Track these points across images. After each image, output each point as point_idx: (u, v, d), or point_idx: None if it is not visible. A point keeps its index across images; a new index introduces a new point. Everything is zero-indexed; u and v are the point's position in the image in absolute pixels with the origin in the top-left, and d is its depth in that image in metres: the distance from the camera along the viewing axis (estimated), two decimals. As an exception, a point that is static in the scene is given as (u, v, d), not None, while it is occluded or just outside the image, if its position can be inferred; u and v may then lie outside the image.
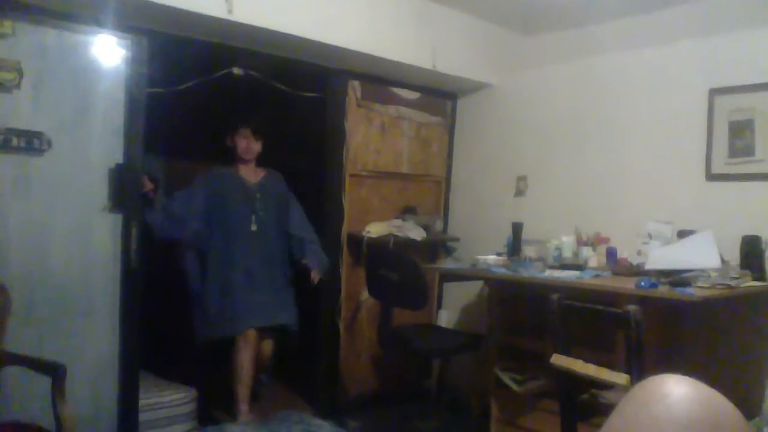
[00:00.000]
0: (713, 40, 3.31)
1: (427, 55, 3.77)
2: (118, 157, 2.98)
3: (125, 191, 2.98)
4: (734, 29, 3.23)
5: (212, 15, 2.85)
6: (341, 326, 3.91)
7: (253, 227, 3.48)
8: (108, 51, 2.94)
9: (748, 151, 3.19)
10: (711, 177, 3.29)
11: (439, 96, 4.38)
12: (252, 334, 3.41)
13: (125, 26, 2.95)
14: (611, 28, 3.75)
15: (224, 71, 3.49)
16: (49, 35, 2.77)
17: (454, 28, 3.90)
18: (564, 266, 3.23)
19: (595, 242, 3.43)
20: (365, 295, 3.83)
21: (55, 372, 2.17)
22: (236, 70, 3.48)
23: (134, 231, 3.01)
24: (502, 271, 3.25)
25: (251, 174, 3.58)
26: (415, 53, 3.72)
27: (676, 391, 0.71)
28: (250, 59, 3.49)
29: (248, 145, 3.51)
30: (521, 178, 4.11)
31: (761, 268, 2.87)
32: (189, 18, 2.86)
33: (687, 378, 0.72)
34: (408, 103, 4.19)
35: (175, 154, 4.46)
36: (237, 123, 3.51)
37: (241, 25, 2.96)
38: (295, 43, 3.26)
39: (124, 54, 2.97)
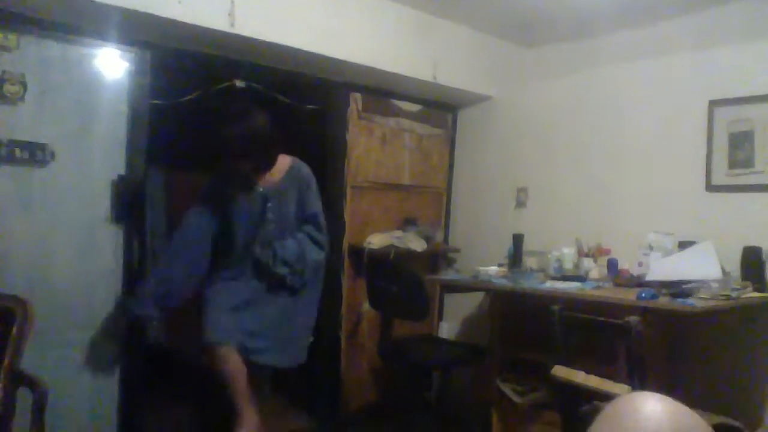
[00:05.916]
0: (713, 52, 3.33)
1: (428, 68, 3.80)
2: (121, 169, 3.00)
3: (127, 203, 2.99)
4: (733, 41, 3.25)
5: (215, 28, 2.88)
6: (342, 338, 3.91)
7: (259, 246, 2.79)
8: (111, 64, 2.97)
9: (747, 162, 3.20)
10: (711, 188, 3.30)
11: (440, 108, 4.41)
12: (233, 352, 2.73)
13: (128, 39, 2.98)
14: (611, 40, 3.77)
15: (226, 84, 3.51)
16: (53, 48, 2.80)
17: (454, 41, 3.93)
18: (565, 277, 3.23)
19: (596, 253, 3.44)
20: (366, 306, 3.83)
21: (37, 389, 2.13)
22: (238, 83, 3.50)
23: (136, 242, 3.02)
24: (503, 282, 3.25)
25: (265, 176, 2.85)
26: (416, 66, 3.74)
27: (646, 407, 0.73)
28: (252, 72, 3.51)
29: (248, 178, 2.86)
30: (522, 190, 4.12)
31: (762, 279, 2.87)
32: (192, 31, 2.89)
33: (656, 394, 0.75)
34: (409, 115, 4.21)
35: (178, 167, 4.47)
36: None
37: (244, 38, 2.98)
38: (297, 56, 3.28)
39: (127, 67, 3.00)
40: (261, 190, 2.81)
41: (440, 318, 4.42)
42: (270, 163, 2.81)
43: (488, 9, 3.64)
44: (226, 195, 2.81)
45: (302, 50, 3.18)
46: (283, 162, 2.86)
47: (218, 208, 2.80)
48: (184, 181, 4.31)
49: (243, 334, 2.72)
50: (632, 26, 3.62)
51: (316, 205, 2.88)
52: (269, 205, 2.79)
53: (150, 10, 2.66)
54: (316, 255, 2.84)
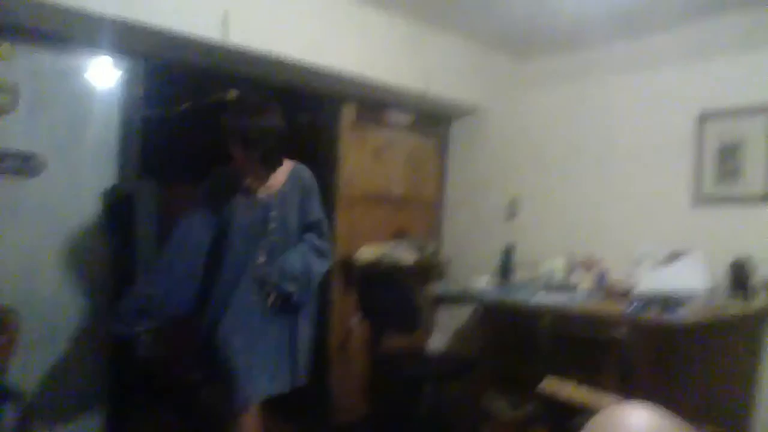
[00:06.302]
0: (702, 64, 3.37)
1: (420, 79, 3.82)
2: (111, 180, 2.99)
3: (117, 214, 2.98)
4: (723, 54, 3.29)
5: (208, 39, 2.88)
6: (332, 351, 3.89)
7: (261, 258, 2.49)
8: (103, 74, 2.98)
9: (736, 174, 3.23)
10: (700, 200, 3.33)
11: (433, 119, 4.43)
12: (254, 410, 2.49)
13: (121, 49, 2.98)
14: (602, 53, 3.81)
15: (219, 95, 3.52)
16: (45, 58, 2.80)
17: (447, 52, 3.96)
18: (555, 289, 3.24)
19: (586, 265, 3.45)
20: (356, 319, 3.82)
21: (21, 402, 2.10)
22: (231, 94, 3.51)
23: (125, 255, 3.01)
24: (494, 294, 3.26)
25: (266, 181, 2.56)
26: (409, 77, 3.76)
27: (633, 417, 0.74)
28: (244, 83, 3.52)
29: (254, 176, 2.56)
30: (513, 201, 4.14)
31: (749, 291, 2.89)
32: (185, 41, 2.89)
33: (644, 405, 0.75)
34: (401, 127, 4.23)
35: (170, 179, 4.46)
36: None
37: (237, 48, 2.99)
38: (290, 67, 3.29)
39: (119, 77, 3.00)
40: (263, 196, 2.51)
41: (431, 330, 4.41)
42: (277, 164, 2.55)
43: (480, 21, 3.66)
44: (224, 200, 2.50)
45: (295, 61, 3.20)
46: (285, 166, 2.59)
47: (214, 216, 2.49)
48: (176, 193, 4.29)
49: (265, 377, 2.44)
50: (623, 39, 3.66)
51: (318, 211, 2.63)
52: (272, 213, 2.49)
53: (143, 21, 2.67)
54: (321, 267, 2.58)
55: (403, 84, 3.74)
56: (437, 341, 4.36)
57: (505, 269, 3.64)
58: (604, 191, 3.72)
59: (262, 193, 2.52)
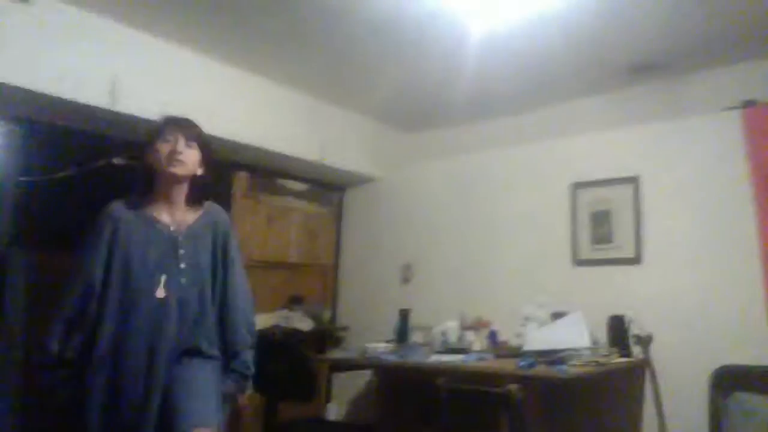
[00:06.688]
0: (573, 139, 3.70)
1: (316, 149, 3.90)
2: (-20, 249, 2.77)
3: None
4: (593, 130, 3.63)
5: (96, 105, 2.81)
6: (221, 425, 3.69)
7: (161, 293, 1.94)
8: (-25, 137, 2.80)
9: (607, 238, 3.51)
10: (578, 262, 3.57)
11: (328, 188, 4.50)
12: None
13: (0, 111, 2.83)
14: (483, 128, 4.10)
15: (104, 161, 3.39)
16: None
17: (342, 124, 4.09)
18: (449, 350, 3.30)
19: (478, 326, 3.55)
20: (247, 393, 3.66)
21: None
22: (116, 160, 3.39)
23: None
24: (391, 357, 3.26)
25: (177, 213, 2.07)
26: (305, 147, 3.83)
27: None
28: (132, 147, 3.42)
29: (177, 149, 2.03)
30: (407, 266, 4.23)
31: (626, 345, 3.09)
32: (71, 107, 2.80)
33: None
34: (296, 194, 4.26)
35: (46, 248, 4.18)
36: (160, 130, 2.10)
37: (126, 115, 2.93)
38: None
39: (-6, 140, 2.84)
40: (171, 229, 2.03)
41: (328, 399, 4.32)
42: (201, 198, 2.13)
43: (373, 97, 3.85)
44: (123, 230, 1.97)
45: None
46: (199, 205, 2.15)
47: (109, 247, 1.96)
48: (52, 261, 4.02)
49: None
50: (504, 116, 3.98)
51: (240, 278, 2.17)
52: (181, 251, 2.00)
53: (27, 86, 2.57)
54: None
55: (300, 153, 3.81)
56: (335, 409, 4.27)
57: (401, 333, 3.68)
58: (491, 256, 3.90)
59: (170, 225, 2.04)
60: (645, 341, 3.15)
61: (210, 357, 2.00)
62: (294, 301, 4.09)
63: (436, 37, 2.97)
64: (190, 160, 2.06)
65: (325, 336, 4.37)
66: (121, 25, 2.98)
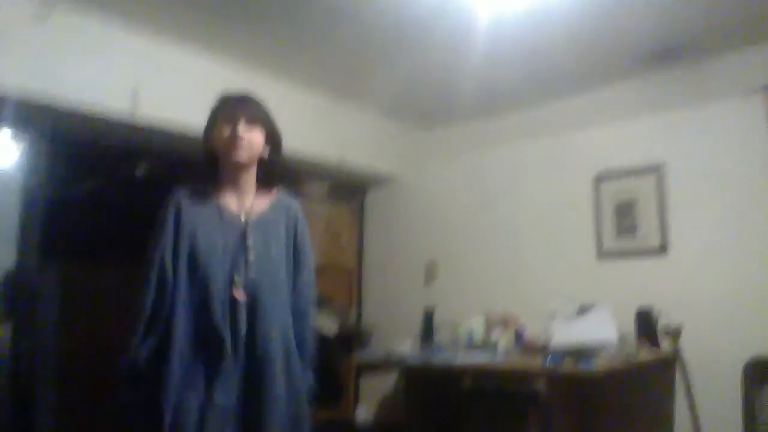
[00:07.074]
0: (596, 130, 3.64)
1: (335, 150, 3.91)
2: (10, 264, 2.83)
3: (16, 299, 2.81)
4: (614, 120, 3.58)
5: (117, 117, 2.85)
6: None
7: (239, 293, 1.74)
8: (3, 152, 2.86)
9: (632, 229, 3.45)
10: (602, 255, 3.52)
11: (349, 188, 4.50)
12: None
13: (23, 125, 2.89)
14: (504, 121, 4.06)
15: (127, 171, 3.45)
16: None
17: (361, 124, 4.09)
18: (476, 348, 3.28)
19: (504, 323, 3.53)
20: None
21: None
22: (138, 171, 3.44)
23: (26, 341, 2.82)
24: (417, 358, 3.26)
25: (246, 201, 1.88)
26: (324, 148, 3.84)
27: None
28: (153, 157, 3.47)
29: (238, 132, 1.82)
30: (431, 265, 4.22)
31: (655, 338, 3.04)
32: (93, 118, 2.85)
33: None
34: (318, 196, 4.27)
35: (75, 260, 4.27)
36: (219, 110, 1.92)
37: (146, 125, 2.97)
38: (199, 140, 3.28)
39: (21, 155, 2.90)
40: (240, 218, 1.84)
41: (357, 401, 4.32)
42: (272, 183, 1.93)
43: (387, 94, 3.84)
44: (188, 219, 1.78)
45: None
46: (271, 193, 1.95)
47: (175, 237, 1.77)
48: (81, 273, 4.10)
49: None
50: (524, 108, 3.93)
51: (309, 266, 1.99)
52: (250, 242, 1.81)
53: (48, 100, 2.61)
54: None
55: (319, 154, 3.81)
56: (364, 411, 4.27)
57: (427, 332, 3.67)
58: (515, 251, 3.87)
59: (233, 212, 1.85)
60: (674, 334, 3.10)
61: None
62: (319, 304, 4.10)
63: (445, 28, 2.93)
64: (253, 142, 1.85)
65: (352, 338, 4.37)
66: (139, 35, 3.02)
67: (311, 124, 3.78)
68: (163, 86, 3.06)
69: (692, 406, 3.07)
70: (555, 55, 3.22)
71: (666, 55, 3.23)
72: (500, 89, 3.69)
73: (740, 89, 3.08)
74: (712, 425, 3.00)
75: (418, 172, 4.43)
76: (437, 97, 3.86)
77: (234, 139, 1.80)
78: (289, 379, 1.79)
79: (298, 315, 1.87)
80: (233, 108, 1.87)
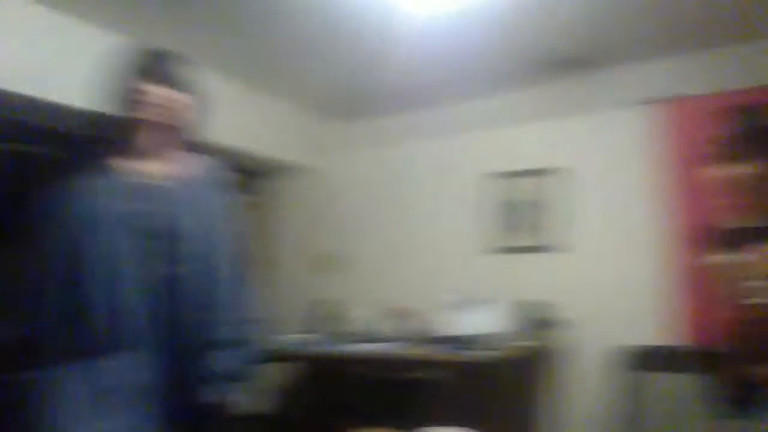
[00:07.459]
0: (484, 133, 3.82)
1: (241, 138, 3.79)
2: None
3: None
4: (500, 125, 3.77)
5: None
6: None
7: (160, 268, 1.57)
8: None
9: (515, 227, 3.65)
10: (488, 250, 3.70)
11: (252, 177, 4.40)
12: None
13: None
14: (403, 120, 4.16)
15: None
16: None
17: (269, 113, 4.01)
18: (367, 338, 3.33)
19: (396, 313, 3.60)
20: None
21: None
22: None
23: None
24: (306, 349, 3.25)
25: (166, 166, 1.69)
26: (230, 135, 3.72)
27: None
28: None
29: (164, 95, 1.64)
30: (326, 256, 4.22)
31: (539, 330, 3.24)
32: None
33: (458, 429, 0.81)
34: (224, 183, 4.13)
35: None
36: (140, 68, 1.66)
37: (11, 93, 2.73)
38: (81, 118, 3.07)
39: None
40: (161, 187, 1.62)
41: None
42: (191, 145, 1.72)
43: (300, 85, 3.81)
44: (97, 194, 1.54)
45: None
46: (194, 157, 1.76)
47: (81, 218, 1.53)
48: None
49: None
50: (420, 109, 4.03)
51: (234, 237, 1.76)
52: (175, 213, 1.59)
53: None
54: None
55: (229, 141, 3.69)
56: (249, 401, 4.19)
57: (317, 323, 3.67)
58: (409, 245, 3.98)
59: (164, 180, 1.65)
60: (558, 326, 3.30)
61: None
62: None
63: (365, 24, 2.94)
64: (179, 105, 1.65)
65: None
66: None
67: (223, 111, 3.64)
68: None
69: (569, 394, 3.29)
70: (469, 58, 3.34)
71: (563, 65, 3.43)
72: (415, 87, 3.76)
73: (626, 101, 3.34)
74: (598, 411, 3.20)
75: (318, 164, 4.41)
76: (358, 92, 3.88)
77: (165, 100, 1.61)
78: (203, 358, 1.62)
79: (225, 288, 1.68)
80: (157, 66, 1.65)
